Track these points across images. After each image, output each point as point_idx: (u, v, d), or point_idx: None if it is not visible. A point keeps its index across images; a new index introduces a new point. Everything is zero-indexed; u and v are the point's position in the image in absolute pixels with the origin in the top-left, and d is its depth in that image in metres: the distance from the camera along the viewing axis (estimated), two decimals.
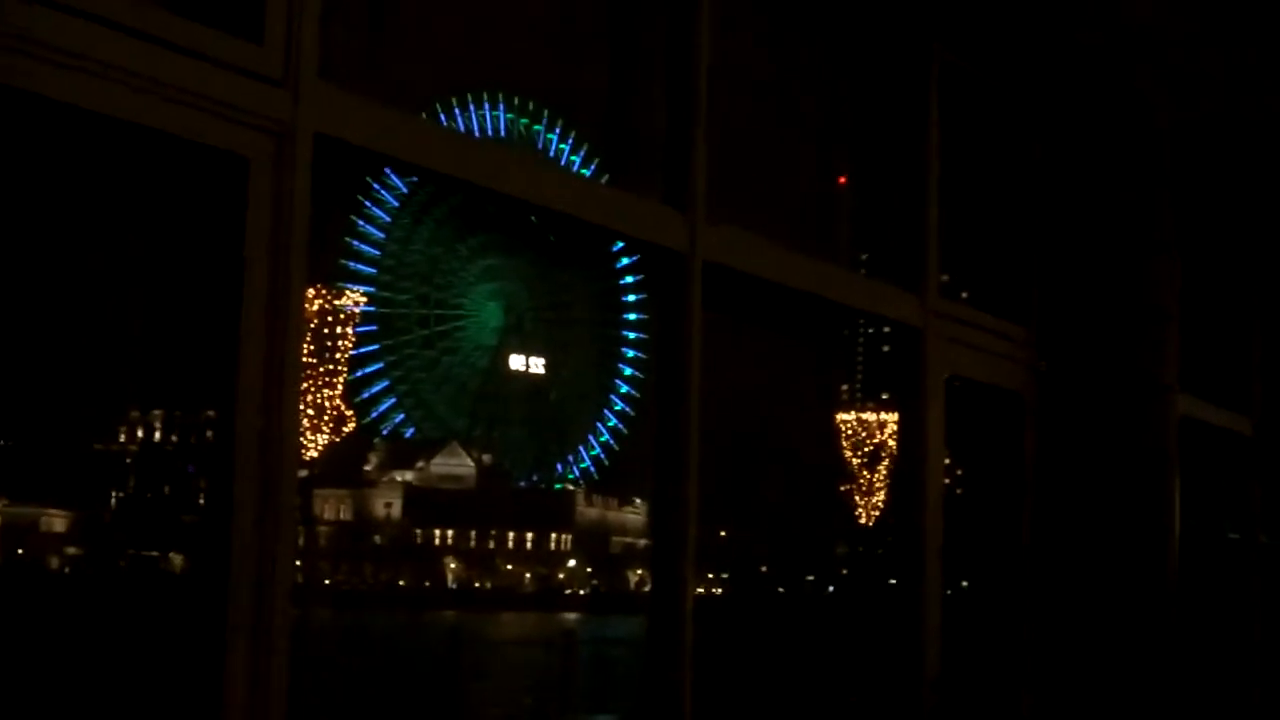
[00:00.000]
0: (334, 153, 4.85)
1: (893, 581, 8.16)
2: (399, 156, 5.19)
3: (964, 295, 8.86)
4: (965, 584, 8.71)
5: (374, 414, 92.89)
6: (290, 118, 4.56)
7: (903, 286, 8.04)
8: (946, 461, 8.48)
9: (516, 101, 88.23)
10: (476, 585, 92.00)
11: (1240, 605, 11.48)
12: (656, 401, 6.50)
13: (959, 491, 9.05)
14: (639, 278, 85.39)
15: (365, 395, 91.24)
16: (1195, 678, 9.89)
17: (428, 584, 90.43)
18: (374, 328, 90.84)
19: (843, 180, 9.02)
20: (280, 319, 4.52)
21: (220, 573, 4.46)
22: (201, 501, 4.67)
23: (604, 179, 7.01)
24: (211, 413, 4.62)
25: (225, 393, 4.50)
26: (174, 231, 5.00)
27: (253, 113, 4.48)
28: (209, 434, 4.62)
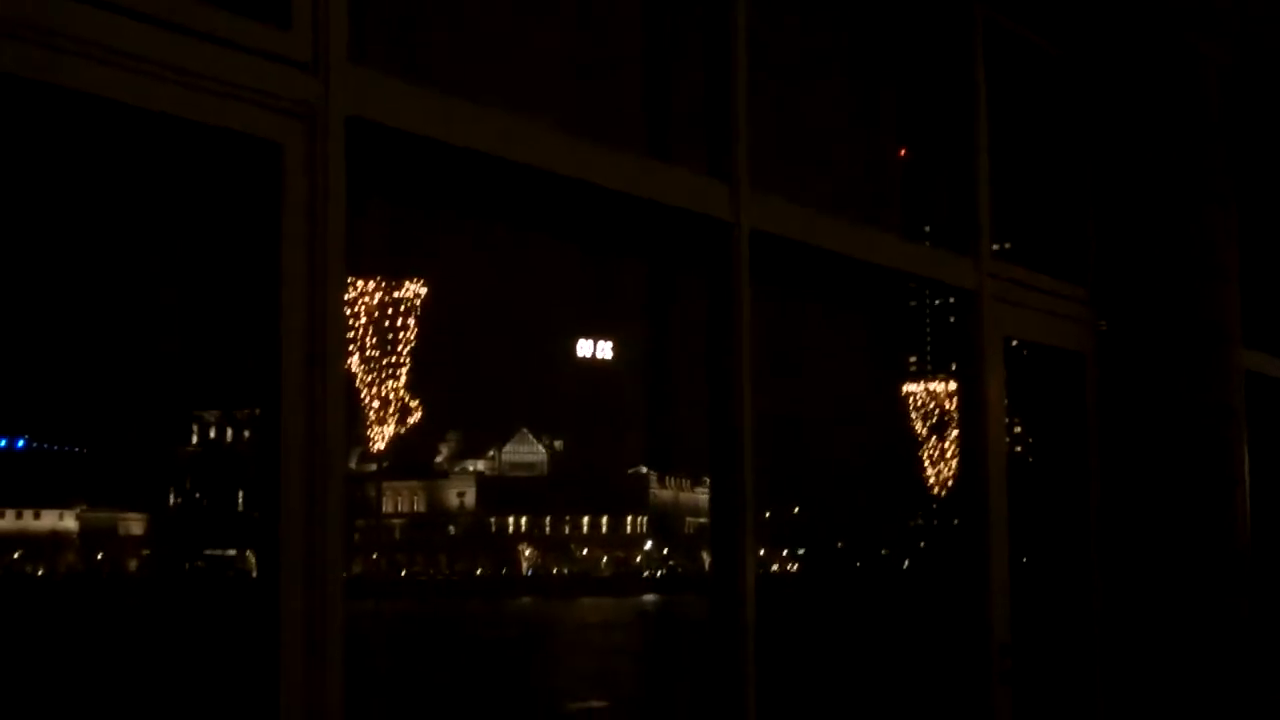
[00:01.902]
0: (373, 138, 4.81)
1: (961, 549, 8.09)
2: (438, 138, 5.13)
3: (1022, 262, 8.76)
4: (1034, 549, 8.62)
5: (444, 404, 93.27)
6: (320, 102, 4.53)
7: (956, 250, 7.96)
8: (1016, 430, 8.41)
9: (546, 82, 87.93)
10: (553, 571, 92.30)
11: None
12: (708, 378, 6.45)
13: (1025, 457, 8.96)
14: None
15: (434, 385, 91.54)
16: (1270, 638, 9.77)
17: (504, 571, 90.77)
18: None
19: (903, 152, 8.93)
20: (319, 307, 4.48)
21: (272, 569, 4.44)
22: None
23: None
24: (258, 410, 4.59)
25: (269, 386, 4.47)
26: (217, 225, 4.98)
27: (282, 98, 4.44)
28: (260, 433, 4.60)
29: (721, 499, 6.37)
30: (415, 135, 5.00)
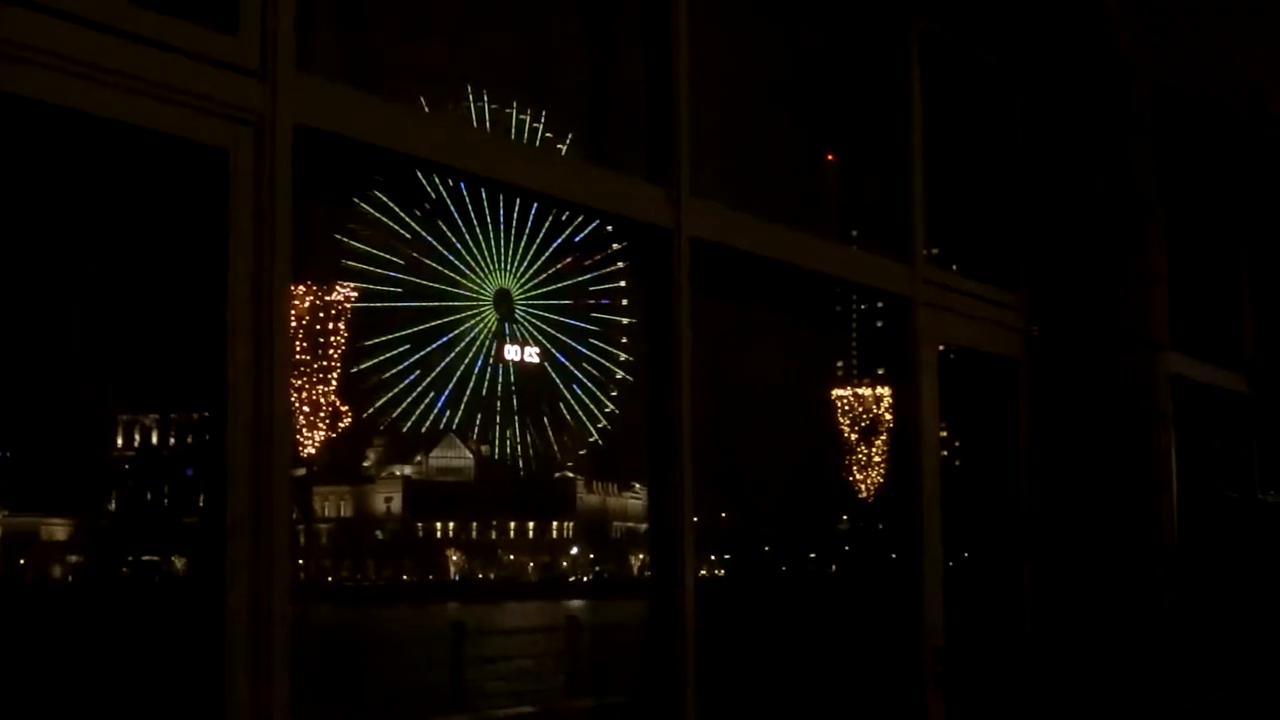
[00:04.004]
0: (319, 145, 4.82)
1: (894, 554, 8.15)
2: (382, 145, 5.16)
3: (955, 267, 8.85)
4: (966, 553, 8.70)
5: (371, 409, 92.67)
6: (268, 109, 4.54)
7: (891, 256, 8.03)
8: (943, 433, 8.47)
9: (492, 91, 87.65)
10: (480, 576, 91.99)
11: (1240, 563, 11.48)
12: (649, 382, 6.48)
13: (956, 461, 9.04)
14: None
15: (362, 390, 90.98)
16: (1196, 636, 9.89)
17: (431, 577, 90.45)
18: (368, 323, 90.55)
19: (831, 157, 8.99)
20: (266, 312, 4.49)
21: (216, 574, 4.43)
22: (200, 503, 4.64)
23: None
24: (204, 413, 4.59)
25: (215, 390, 4.47)
26: (159, 230, 4.97)
27: (230, 105, 4.45)
28: (206, 436, 4.59)
29: (660, 502, 6.39)
30: (362, 142, 5.02)
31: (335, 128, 4.87)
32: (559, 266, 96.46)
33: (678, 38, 6.40)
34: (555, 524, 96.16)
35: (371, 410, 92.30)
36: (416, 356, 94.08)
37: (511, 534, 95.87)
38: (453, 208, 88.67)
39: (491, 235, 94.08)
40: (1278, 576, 11.64)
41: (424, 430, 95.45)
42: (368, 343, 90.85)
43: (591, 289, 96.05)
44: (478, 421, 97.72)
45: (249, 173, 4.48)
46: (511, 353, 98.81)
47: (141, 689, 4.78)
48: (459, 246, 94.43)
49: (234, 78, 4.48)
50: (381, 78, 5.68)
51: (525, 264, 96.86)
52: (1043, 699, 8.57)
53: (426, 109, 5.15)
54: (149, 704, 4.72)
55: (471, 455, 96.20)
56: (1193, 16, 8.66)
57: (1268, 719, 10.96)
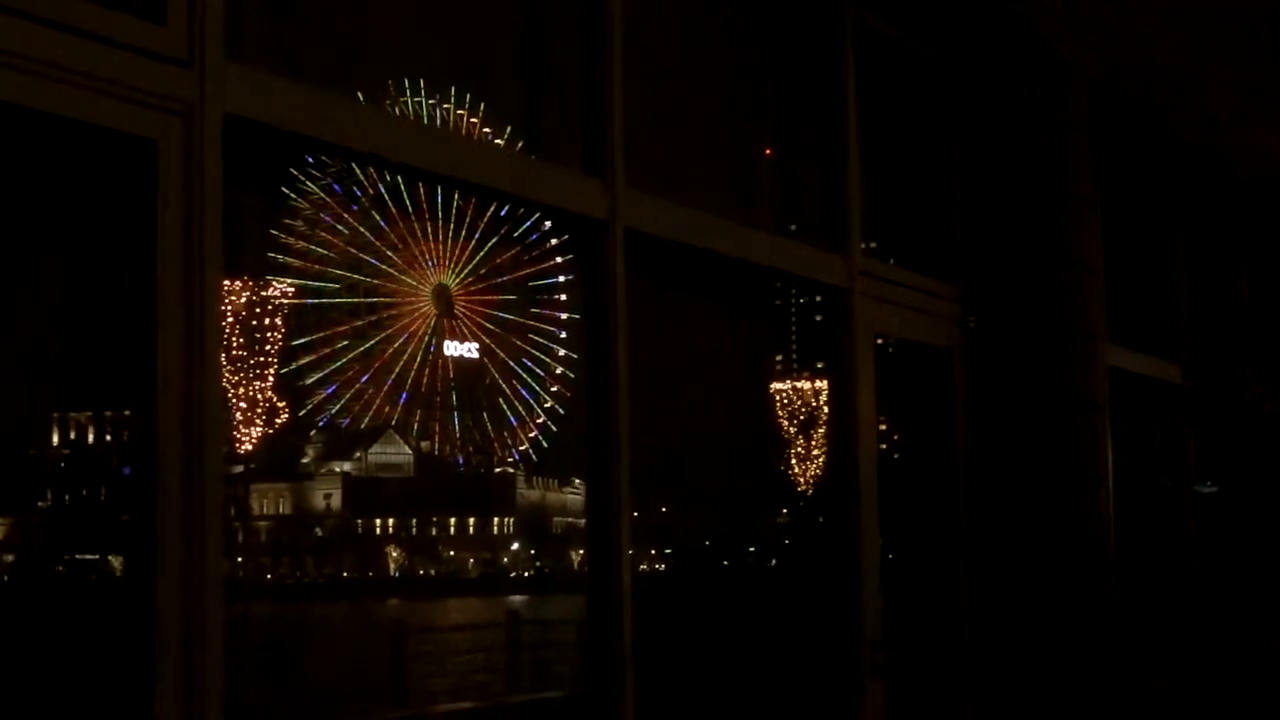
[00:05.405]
0: (250, 136, 4.77)
1: (832, 546, 8.15)
2: (314, 135, 5.09)
3: (892, 260, 8.86)
4: (903, 544, 8.71)
5: (310, 405, 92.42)
6: (197, 98, 4.47)
7: (828, 248, 8.03)
8: (884, 426, 8.49)
9: (426, 83, 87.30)
10: (420, 572, 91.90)
11: (1177, 554, 11.56)
12: (586, 375, 6.46)
13: (894, 454, 9.05)
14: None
15: (300, 386, 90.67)
16: (1134, 627, 9.95)
17: (371, 574, 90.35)
18: (306, 319, 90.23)
19: (769, 152, 9.00)
20: (197, 304, 4.43)
21: (148, 571, 4.38)
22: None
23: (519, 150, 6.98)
24: (135, 408, 4.53)
25: (145, 386, 4.41)
26: (88, 223, 4.90)
27: (158, 94, 4.38)
28: (137, 430, 4.53)
29: (598, 498, 6.36)
30: (294, 133, 4.97)
31: (266, 118, 4.81)
32: (499, 261, 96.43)
33: (612, 29, 6.37)
34: (496, 520, 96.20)
35: (309, 406, 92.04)
36: (356, 353, 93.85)
37: (452, 530, 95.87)
38: (390, 202, 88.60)
39: (430, 230, 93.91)
40: (1214, 567, 11.71)
41: (364, 426, 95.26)
42: (306, 339, 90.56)
43: (531, 284, 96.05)
44: (417, 417, 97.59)
45: (178, 163, 4.42)
46: (451, 348, 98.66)
47: (74, 689, 4.72)
48: (397, 241, 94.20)
49: (162, 67, 4.41)
50: (315, 71, 5.63)
51: (464, 259, 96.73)
52: (981, 689, 8.60)
53: (363, 103, 5.10)
54: (80, 705, 4.67)
55: (411, 451, 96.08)
56: (1128, 15, 8.69)
57: (1206, 707, 11.03)
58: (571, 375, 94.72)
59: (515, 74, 7.18)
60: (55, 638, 5.05)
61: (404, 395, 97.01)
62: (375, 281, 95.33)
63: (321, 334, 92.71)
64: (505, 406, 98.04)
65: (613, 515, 6.26)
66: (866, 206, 8.24)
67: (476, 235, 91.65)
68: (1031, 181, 8.77)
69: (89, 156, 4.51)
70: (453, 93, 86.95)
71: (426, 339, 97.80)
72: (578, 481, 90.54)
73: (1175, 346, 11.68)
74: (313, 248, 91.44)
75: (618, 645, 6.22)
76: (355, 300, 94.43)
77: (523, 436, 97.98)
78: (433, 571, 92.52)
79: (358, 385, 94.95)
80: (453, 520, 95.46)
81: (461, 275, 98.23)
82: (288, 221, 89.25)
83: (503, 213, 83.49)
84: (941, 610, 8.73)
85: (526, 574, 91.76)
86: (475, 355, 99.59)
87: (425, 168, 5.75)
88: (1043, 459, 8.62)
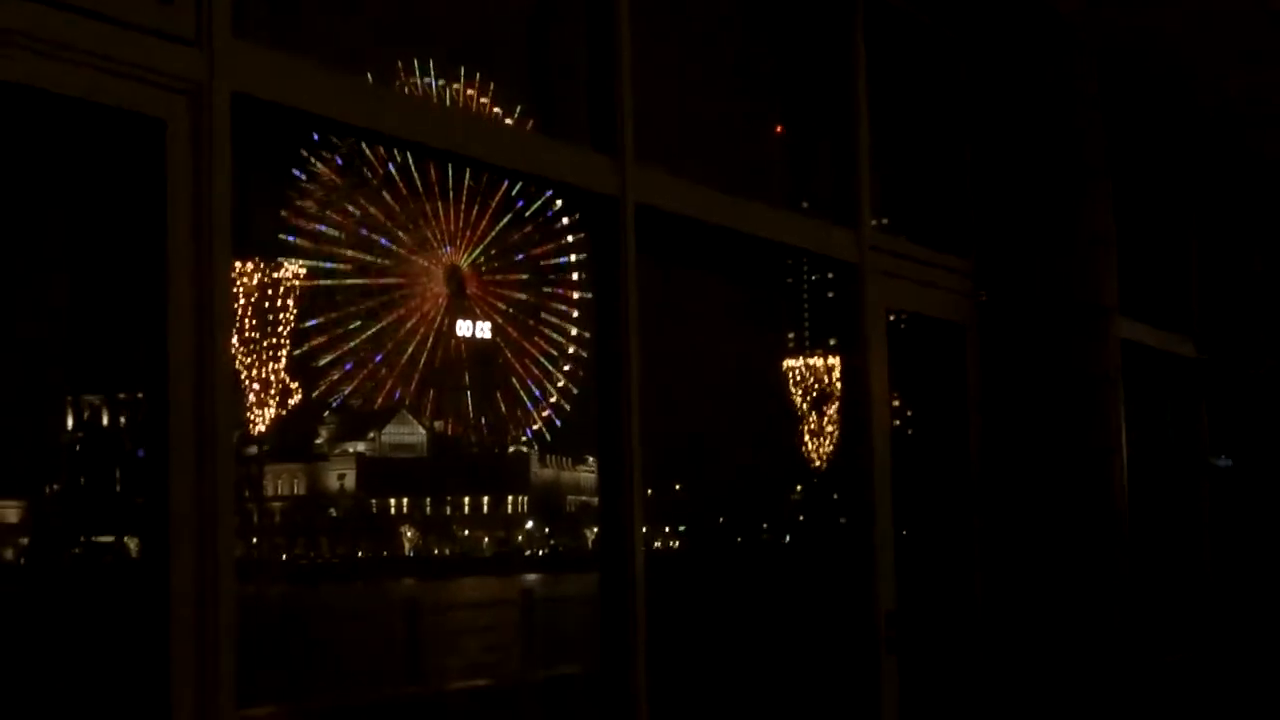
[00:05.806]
0: (259, 114, 4.76)
1: (846, 522, 8.15)
2: (323, 114, 5.09)
3: (903, 235, 8.84)
4: (917, 519, 8.70)
5: (323, 386, 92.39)
6: (205, 77, 4.47)
7: (839, 223, 8.01)
8: (897, 402, 8.47)
9: (436, 63, 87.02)
10: (435, 552, 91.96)
11: (1191, 527, 11.54)
12: (597, 351, 6.46)
13: (907, 429, 9.04)
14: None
15: (314, 367, 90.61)
16: (1149, 600, 9.94)
17: (386, 554, 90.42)
18: (319, 300, 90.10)
19: (779, 128, 8.97)
20: (207, 284, 4.43)
21: (162, 551, 4.39)
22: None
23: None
24: (148, 389, 4.53)
25: (157, 367, 4.41)
26: (98, 203, 4.90)
27: (166, 74, 4.38)
28: (149, 411, 4.53)
29: (610, 476, 6.37)
30: (303, 111, 4.96)
31: (275, 96, 4.81)
32: (511, 241, 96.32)
33: (620, 6, 6.36)
34: (510, 499, 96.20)
35: (323, 387, 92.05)
36: (369, 333, 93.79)
37: (466, 509, 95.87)
38: (400, 182, 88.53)
39: (441, 210, 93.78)
40: (1229, 541, 11.70)
41: (377, 407, 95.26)
42: (318, 320, 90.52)
43: (543, 263, 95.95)
44: (431, 398, 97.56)
45: (186, 142, 4.41)
46: (463, 328, 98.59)
47: (90, 670, 4.73)
48: (408, 222, 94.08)
49: (170, 47, 4.41)
50: (323, 50, 5.61)
51: (476, 239, 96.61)
52: (995, 662, 8.59)
53: (371, 81, 5.10)
54: (97, 684, 4.68)
55: (425, 431, 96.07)
56: None
57: (1221, 680, 11.02)
58: (585, 354, 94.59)
59: (524, 53, 7.16)
60: (71, 619, 5.06)
61: (417, 376, 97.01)
62: (386, 262, 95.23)
63: (334, 315, 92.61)
64: (518, 386, 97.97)
65: (625, 493, 6.26)
66: (878, 181, 8.22)
67: (488, 215, 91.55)
68: (1043, 155, 8.74)
69: (98, 138, 4.51)
70: (462, 72, 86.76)
71: (439, 319, 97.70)
72: (591, 460, 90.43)
73: (1189, 320, 11.64)
74: (323, 229, 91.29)
75: (631, 623, 6.22)
76: (367, 281, 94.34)
77: (536, 415, 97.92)
78: (447, 551, 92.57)
79: (371, 366, 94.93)
80: (467, 499, 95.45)
81: (473, 255, 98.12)
82: (299, 203, 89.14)
83: (514, 192, 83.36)
84: (956, 585, 8.72)
85: (541, 552, 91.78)
86: (488, 335, 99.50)
87: (435, 145, 5.75)
88: (1056, 433, 8.61)
